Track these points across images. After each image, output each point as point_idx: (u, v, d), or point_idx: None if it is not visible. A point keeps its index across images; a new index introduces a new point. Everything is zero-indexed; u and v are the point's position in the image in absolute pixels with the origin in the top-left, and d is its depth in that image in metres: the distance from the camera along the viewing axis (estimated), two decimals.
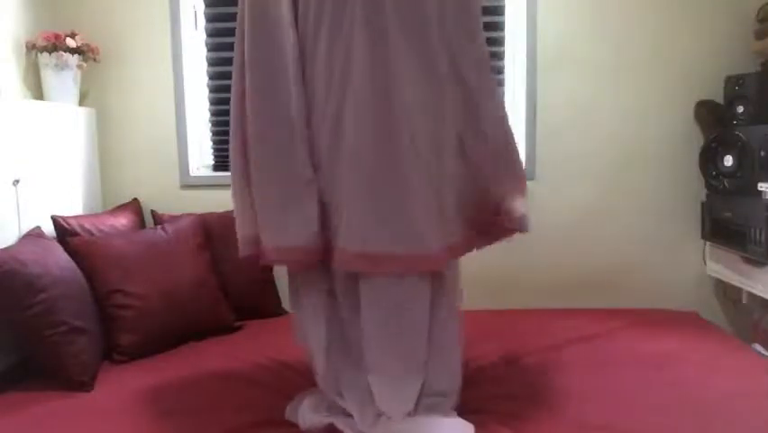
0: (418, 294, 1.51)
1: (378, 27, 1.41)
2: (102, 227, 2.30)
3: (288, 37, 1.46)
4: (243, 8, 1.51)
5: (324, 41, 1.46)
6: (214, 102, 2.76)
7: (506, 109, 1.66)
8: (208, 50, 2.72)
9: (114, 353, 2.04)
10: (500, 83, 2.71)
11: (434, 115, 1.47)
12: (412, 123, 1.42)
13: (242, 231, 1.58)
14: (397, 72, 1.41)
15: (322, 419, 1.57)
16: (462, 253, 1.58)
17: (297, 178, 1.47)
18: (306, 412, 1.59)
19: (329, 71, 1.46)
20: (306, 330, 1.64)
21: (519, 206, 1.59)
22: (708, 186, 2.54)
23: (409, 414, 1.53)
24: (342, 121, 1.44)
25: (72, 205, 2.40)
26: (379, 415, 1.53)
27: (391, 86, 1.41)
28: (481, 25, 1.58)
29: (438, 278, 1.54)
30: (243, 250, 1.58)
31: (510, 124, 1.63)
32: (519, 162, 1.64)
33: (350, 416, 1.55)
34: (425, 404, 1.56)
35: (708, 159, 2.50)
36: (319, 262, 1.52)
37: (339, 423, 1.55)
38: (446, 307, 1.59)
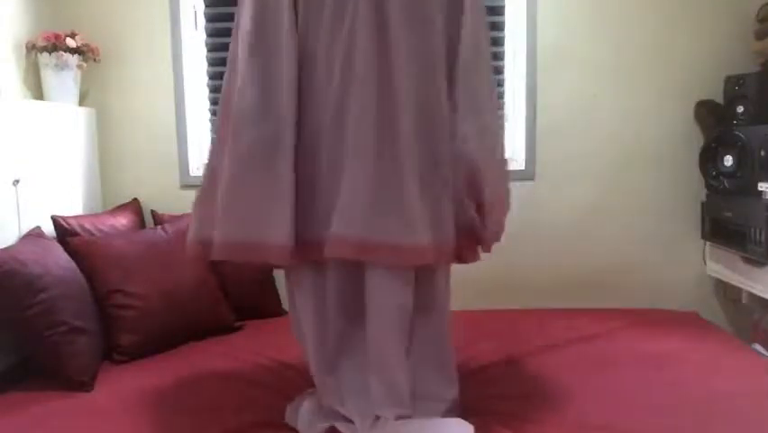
0: (407, 290, 1.51)
1: (380, 23, 1.40)
2: (102, 227, 2.30)
3: (289, 39, 1.45)
4: (240, 8, 1.51)
5: (324, 38, 1.45)
6: (214, 102, 2.76)
7: (496, 127, 1.60)
8: (208, 50, 2.72)
9: (114, 353, 2.04)
10: (500, 83, 2.71)
11: (434, 116, 1.47)
12: (414, 119, 1.43)
13: (204, 232, 1.53)
14: (399, 67, 1.41)
15: (322, 424, 1.56)
16: (452, 258, 1.56)
17: (283, 176, 1.45)
18: (305, 416, 1.59)
19: (329, 70, 1.45)
20: (301, 331, 1.64)
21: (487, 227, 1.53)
22: (708, 186, 2.54)
23: (407, 416, 1.53)
24: (346, 114, 1.43)
25: (72, 205, 2.40)
26: (378, 417, 1.53)
27: (394, 80, 1.41)
28: (487, 29, 1.58)
29: (430, 276, 1.54)
30: (197, 250, 1.55)
31: (500, 142, 1.59)
32: (498, 183, 1.58)
33: (349, 421, 1.55)
34: (420, 408, 1.55)
35: (708, 159, 2.50)
36: (310, 264, 1.52)
37: (340, 426, 1.55)
38: (439, 308, 1.60)
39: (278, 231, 1.43)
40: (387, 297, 1.50)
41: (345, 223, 1.41)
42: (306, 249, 1.47)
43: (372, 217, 1.40)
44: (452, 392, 1.60)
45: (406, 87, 1.42)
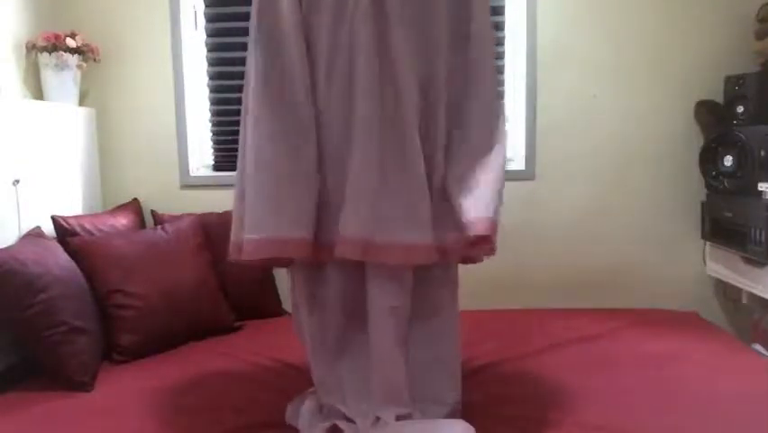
0: (404, 293, 1.51)
1: (381, 22, 1.40)
2: (102, 227, 2.30)
3: (296, 34, 1.44)
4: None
5: (326, 39, 1.44)
6: (214, 102, 2.76)
7: (501, 146, 1.53)
8: (208, 51, 2.72)
9: (114, 353, 2.04)
10: (500, 83, 2.71)
11: (434, 116, 1.48)
12: (416, 117, 1.43)
13: (235, 236, 1.53)
14: (401, 69, 1.41)
15: (323, 423, 1.56)
16: (457, 258, 1.57)
17: (305, 173, 1.45)
18: (306, 416, 1.59)
19: (330, 72, 1.45)
20: (303, 330, 1.64)
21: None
22: (708, 186, 2.54)
23: (408, 416, 1.53)
24: (351, 114, 1.43)
25: (72, 205, 2.40)
26: (378, 418, 1.53)
27: (399, 82, 1.41)
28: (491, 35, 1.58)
29: (430, 277, 1.54)
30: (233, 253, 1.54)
31: (501, 159, 1.51)
32: (489, 201, 1.47)
33: (351, 420, 1.55)
34: (422, 410, 1.55)
35: (708, 159, 2.49)
36: (311, 265, 1.52)
37: (341, 424, 1.55)
38: (441, 311, 1.59)
39: (300, 225, 1.43)
40: (384, 299, 1.50)
41: (351, 224, 1.42)
42: (317, 248, 1.47)
43: (377, 218, 1.41)
44: (453, 395, 1.59)
45: (409, 87, 1.42)
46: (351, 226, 1.42)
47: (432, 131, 1.48)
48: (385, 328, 1.51)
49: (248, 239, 1.44)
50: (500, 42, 2.69)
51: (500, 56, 2.70)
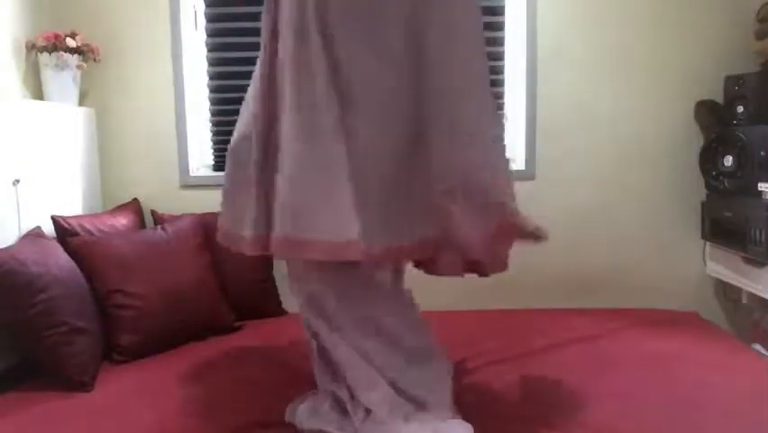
0: (313, 276, 1.54)
1: (301, 27, 1.42)
2: (102, 227, 2.30)
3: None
4: None
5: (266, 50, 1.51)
6: (214, 102, 2.76)
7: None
8: (208, 51, 2.72)
9: (114, 353, 2.04)
10: (500, 83, 2.71)
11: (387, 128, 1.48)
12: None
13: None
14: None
15: (322, 424, 1.56)
16: (389, 259, 1.58)
17: (248, 174, 1.52)
18: (304, 415, 1.60)
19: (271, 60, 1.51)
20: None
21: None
22: (708, 186, 2.55)
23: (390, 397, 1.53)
24: (278, 120, 1.48)
25: (72, 205, 2.40)
26: (368, 412, 1.53)
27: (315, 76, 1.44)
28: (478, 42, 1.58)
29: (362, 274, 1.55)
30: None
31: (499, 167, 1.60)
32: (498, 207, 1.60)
33: (348, 416, 1.55)
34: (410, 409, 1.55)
35: (708, 159, 2.50)
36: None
37: (337, 428, 1.55)
38: (400, 308, 1.61)
39: (246, 223, 1.51)
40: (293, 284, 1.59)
41: (277, 222, 1.44)
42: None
43: (298, 215, 1.41)
44: (440, 400, 1.58)
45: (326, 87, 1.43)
46: (277, 225, 1.44)
47: (375, 131, 1.47)
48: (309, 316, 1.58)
49: (219, 229, 1.66)
50: (500, 43, 2.69)
51: (500, 56, 2.70)
